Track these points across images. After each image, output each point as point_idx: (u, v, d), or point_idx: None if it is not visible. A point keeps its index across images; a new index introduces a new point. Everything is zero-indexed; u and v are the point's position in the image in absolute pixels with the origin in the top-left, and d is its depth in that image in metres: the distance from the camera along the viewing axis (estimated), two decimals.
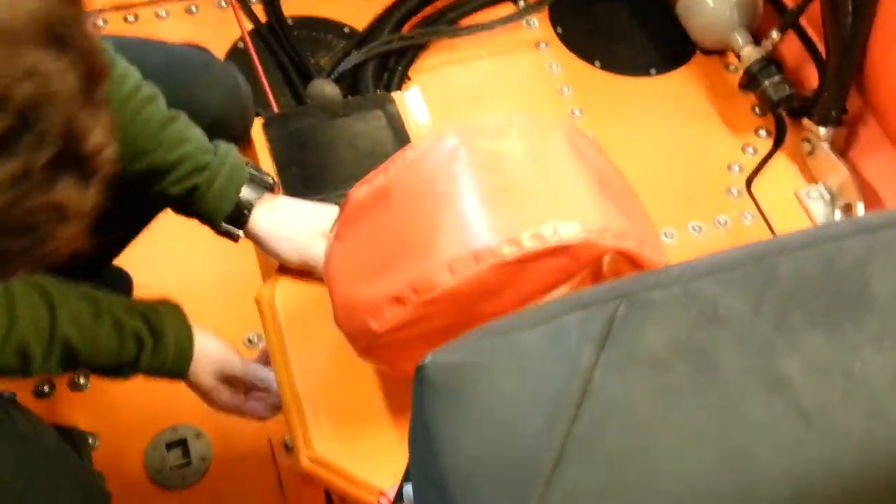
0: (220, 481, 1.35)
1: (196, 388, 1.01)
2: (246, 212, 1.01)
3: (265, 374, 1.01)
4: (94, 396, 1.40)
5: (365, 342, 0.79)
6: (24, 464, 0.90)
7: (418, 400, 0.42)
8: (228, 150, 1.02)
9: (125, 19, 1.75)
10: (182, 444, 1.37)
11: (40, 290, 0.86)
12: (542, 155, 0.78)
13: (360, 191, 0.81)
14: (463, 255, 0.73)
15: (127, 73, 0.97)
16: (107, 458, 1.33)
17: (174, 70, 1.09)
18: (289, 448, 1.35)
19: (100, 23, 1.74)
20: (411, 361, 0.85)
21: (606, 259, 0.77)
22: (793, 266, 0.42)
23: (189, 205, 1.01)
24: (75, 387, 1.40)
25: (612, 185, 0.82)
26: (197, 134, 1.01)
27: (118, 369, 0.95)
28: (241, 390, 1.02)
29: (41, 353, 0.86)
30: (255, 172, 1.05)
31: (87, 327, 0.89)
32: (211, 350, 0.98)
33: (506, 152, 0.77)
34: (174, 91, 1.03)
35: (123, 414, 1.38)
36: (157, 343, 0.93)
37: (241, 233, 1.03)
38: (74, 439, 1.30)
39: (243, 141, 1.21)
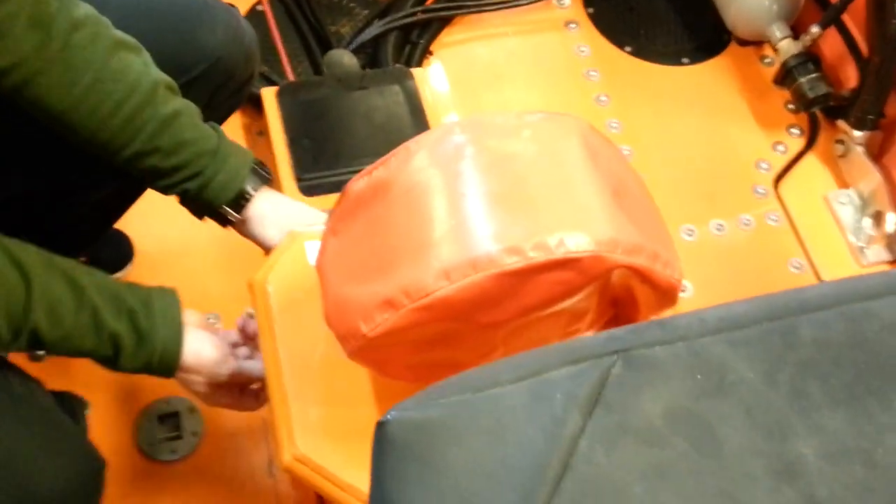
0: (211, 457, 1.33)
1: (185, 390, 0.97)
2: (243, 202, 0.99)
3: (260, 370, 0.97)
4: (88, 363, 1.37)
5: (354, 344, 0.75)
6: (19, 421, 0.87)
7: (378, 461, 0.37)
8: (229, 151, 0.98)
9: None
10: (174, 416, 1.35)
11: (20, 266, 0.82)
12: (554, 159, 0.73)
13: (358, 183, 0.77)
14: (461, 261, 0.69)
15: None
16: (97, 427, 1.31)
17: (173, 6, 1.05)
18: None
19: None
20: (402, 367, 0.82)
21: (616, 274, 0.72)
22: (814, 329, 0.37)
23: (185, 199, 1.01)
24: None
25: (628, 193, 0.76)
26: (199, 133, 0.96)
27: (94, 360, 0.91)
28: (234, 388, 0.99)
29: (8, 336, 0.82)
30: (256, 166, 1.02)
31: (63, 320, 0.84)
32: (202, 356, 0.93)
33: (516, 154, 0.72)
34: (174, 28, 1.01)
35: (116, 383, 1.35)
36: (139, 346, 0.88)
37: (233, 217, 1.00)
38: (72, 404, 1.28)
39: (248, 85, 1.16)
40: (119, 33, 0.93)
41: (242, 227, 1.04)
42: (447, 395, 0.37)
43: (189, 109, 0.97)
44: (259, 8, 1.66)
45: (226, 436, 1.34)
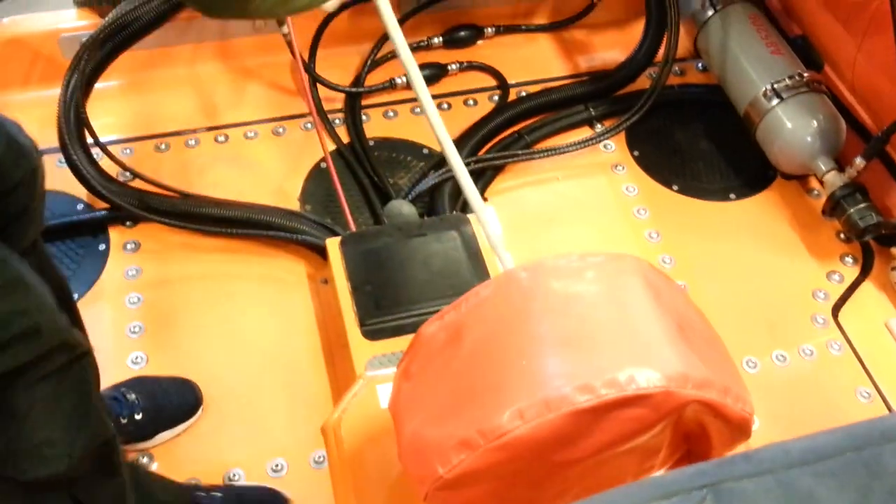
0: None
1: None
2: None
3: None
4: None
5: (430, 486, 0.76)
6: None
7: None
8: None
9: (216, 139, 1.83)
10: None
11: None
12: (618, 298, 0.76)
13: (431, 327, 0.80)
14: (534, 401, 0.71)
15: None
16: None
17: None
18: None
19: (192, 142, 1.82)
20: None
21: (688, 409, 0.73)
22: None
23: None
24: None
25: (692, 328, 0.78)
26: None
27: None
28: None
29: None
30: None
31: None
32: None
33: (580, 294, 0.75)
34: None
35: None
36: None
37: None
38: None
39: (29, 189, 1.04)
40: None
41: None
42: None
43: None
44: (323, 165, 1.77)
45: None
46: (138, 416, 1.37)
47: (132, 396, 1.38)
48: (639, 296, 0.76)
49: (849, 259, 1.73)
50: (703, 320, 0.82)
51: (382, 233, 1.54)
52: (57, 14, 1.82)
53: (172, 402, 1.43)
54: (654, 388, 0.70)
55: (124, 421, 1.36)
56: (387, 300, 1.43)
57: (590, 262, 0.78)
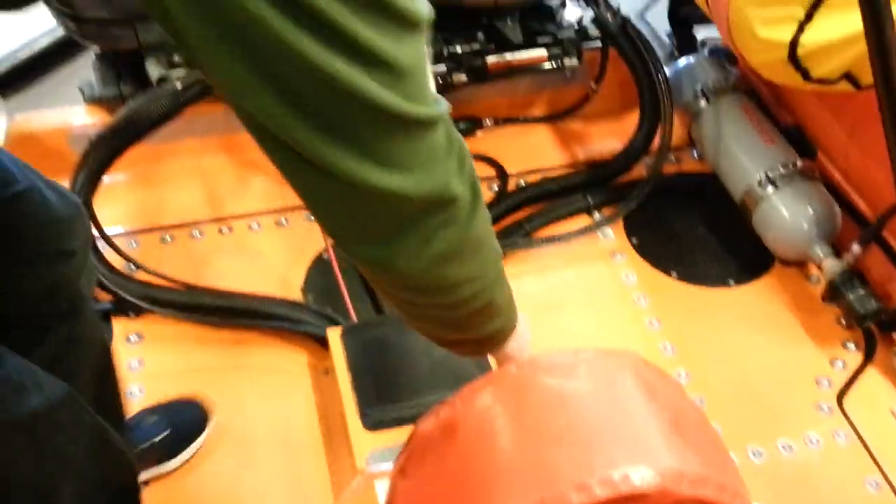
0: None
1: None
2: None
3: None
4: None
5: None
6: None
7: None
8: None
9: (220, 231, 1.86)
10: None
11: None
12: (611, 394, 0.76)
13: (426, 424, 0.80)
14: (530, 501, 0.70)
15: None
16: None
17: None
18: None
19: (196, 234, 1.85)
20: None
21: None
22: None
23: None
24: None
25: (688, 423, 0.78)
26: None
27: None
28: None
29: None
30: None
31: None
32: None
33: (573, 391, 0.76)
34: None
35: None
36: None
37: None
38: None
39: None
40: None
41: None
42: None
43: None
44: (324, 256, 1.79)
45: None
46: (161, 437, 1.45)
47: (151, 420, 1.46)
48: (632, 392, 0.76)
49: (851, 345, 1.72)
50: (699, 415, 0.82)
51: (383, 323, 1.55)
52: (67, 110, 1.87)
53: (185, 418, 1.50)
54: (648, 487, 0.70)
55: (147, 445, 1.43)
56: (388, 390, 1.43)
57: (582, 357, 0.79)
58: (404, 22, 0.63)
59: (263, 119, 0.64)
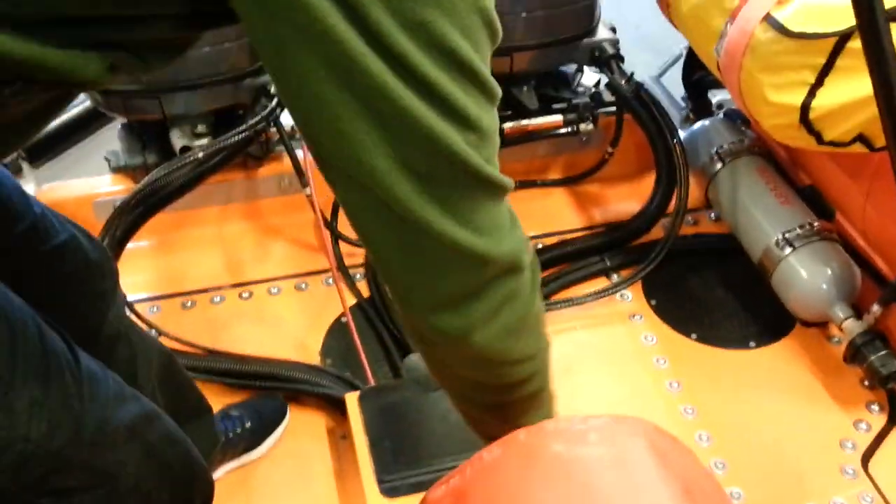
0: None
1: None
2: None
3: None
4: None
5: None
6: None
7: None
8: None
9: (240, 296, 1.88)
10: None
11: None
12: (622, 461, 0.76)
13: (437, 492, 0.80)
14: None
15: None
16: None
17: None
18: None
19: (217, 299, 1.87)
20: None
21: None
22: None
23: None
24: None
25: (701, 491, 0.78)
26: None
27: None
28: None
29: None
30: None
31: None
32: None
33: (583, 458, 0.75)
34: None
35: None
36: None
37: None
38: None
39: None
40: None
41: None
42: None
43: None
44: (343, 319, 1.80)
45: None
46: (248, 424, 1.54)
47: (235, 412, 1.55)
48: (643, 460, 0.76)
49: (875, 406, 1.70)
50: (713, 482, 0.81)
51: (401, 387, 1.55)
52: (92, 180, 1.93)
53: (266, 409, 1.60)
54: None
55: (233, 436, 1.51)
56: (405, 455, 1.43)
57: (592, 424, 0.78)
58: (487, 92, 0.70)
59: (365, 173, 0.67)
